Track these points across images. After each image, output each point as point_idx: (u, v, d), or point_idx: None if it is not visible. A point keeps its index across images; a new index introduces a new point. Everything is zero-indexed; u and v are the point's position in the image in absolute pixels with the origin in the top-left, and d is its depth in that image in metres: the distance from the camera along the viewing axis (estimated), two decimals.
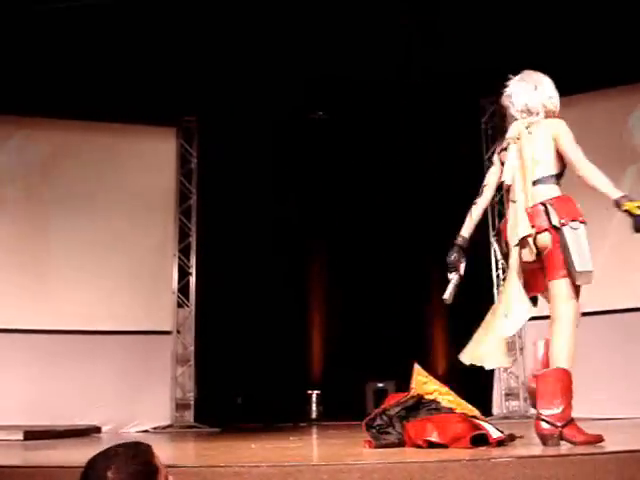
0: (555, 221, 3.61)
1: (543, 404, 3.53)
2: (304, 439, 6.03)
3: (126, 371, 8.68)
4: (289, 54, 8.55)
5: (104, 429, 8.31)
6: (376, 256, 10.48)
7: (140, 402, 8.74)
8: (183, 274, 9.55)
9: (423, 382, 4.31)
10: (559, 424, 3.46)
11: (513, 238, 3.72)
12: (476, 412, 4.14)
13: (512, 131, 3.93)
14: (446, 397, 4.23)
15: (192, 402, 9.19)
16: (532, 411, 8.64)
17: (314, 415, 10.25)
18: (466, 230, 4.06)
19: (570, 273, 3.57)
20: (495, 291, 9.17)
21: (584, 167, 3.68)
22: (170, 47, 8.29)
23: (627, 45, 7.89)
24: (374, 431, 4.17)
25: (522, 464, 2.82)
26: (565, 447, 3.39)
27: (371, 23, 8.30)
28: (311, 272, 10.97)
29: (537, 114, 3.93)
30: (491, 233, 8.89)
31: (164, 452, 5.72)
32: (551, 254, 3.63)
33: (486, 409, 8.79)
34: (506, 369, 8.99)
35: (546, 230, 3.63)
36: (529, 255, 3.65)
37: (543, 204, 3.67)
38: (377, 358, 9.82)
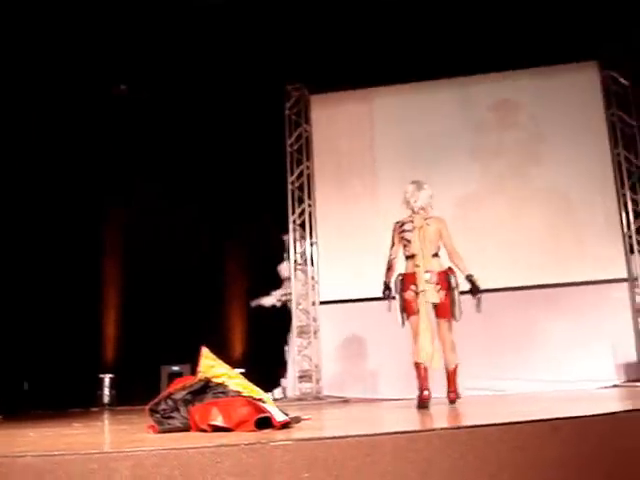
0: (453, 285, 5.84)
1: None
2: (90, 425, 5.78)
3: None
4: (81, 22, 8.21)
5: None
6: (159, 238, 10.38)
7: None
8: None
9: (211, 365, 4.26)
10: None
11: (420, 287, 5.71)
12: (263, 395, 4.15)
13: (417, 222, 5.89)
14: (234, 380, 4.21)
15: None
16: (324, 392, 8.96)
17: (107, 400, 9.99)
18: (388, 278, 6.01)
19: (453, 315, 5.87)
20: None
21: (455, 255, 5.98)
22: None
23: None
24: (158, 416, 4.09)
25: (299, 447, 2.84)
26: (342, 430, 3.45)
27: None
28: (105, 252, 10.60)
29: (428, 210, 5.97)
30: (291, 244, 9.82)
31: None
32: (445, 303, 5.83)
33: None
34: (300, 352, 9.18)
35: (446, 289, 5.81)
36: (435, 299, 5.75)
37: (446, 273, 5.85)
38: (172, 341, 9.70)
